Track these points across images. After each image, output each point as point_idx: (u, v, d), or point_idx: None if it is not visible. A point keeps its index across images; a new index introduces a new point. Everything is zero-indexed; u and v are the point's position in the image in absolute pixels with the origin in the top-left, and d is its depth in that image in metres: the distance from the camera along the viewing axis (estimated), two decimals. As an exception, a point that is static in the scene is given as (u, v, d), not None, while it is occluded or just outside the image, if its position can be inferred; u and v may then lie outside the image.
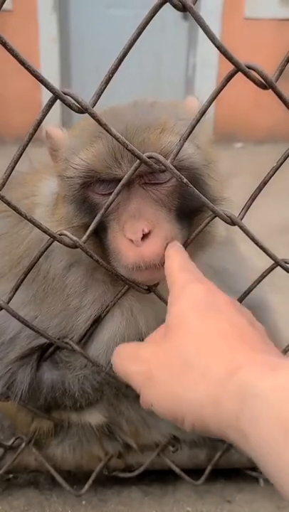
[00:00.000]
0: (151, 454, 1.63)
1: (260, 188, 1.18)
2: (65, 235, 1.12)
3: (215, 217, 1.15)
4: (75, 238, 1.11)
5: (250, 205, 1.18)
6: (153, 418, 1.55)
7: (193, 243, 1.20)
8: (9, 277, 1.34)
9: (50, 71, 6.33)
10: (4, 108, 6.57)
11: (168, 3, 0.93)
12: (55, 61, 6.51)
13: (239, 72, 0.99)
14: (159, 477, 1.76)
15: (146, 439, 1.60)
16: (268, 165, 1.15)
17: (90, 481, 1.60)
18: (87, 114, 0.98)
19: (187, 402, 0.76)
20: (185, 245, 1.18)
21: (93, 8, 6.62)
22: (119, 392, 1.45)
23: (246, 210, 1.19)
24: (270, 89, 1.03)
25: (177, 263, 1.00)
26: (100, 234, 1.18)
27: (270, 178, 1.17)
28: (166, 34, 6.71)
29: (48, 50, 6.45)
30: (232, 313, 0.88)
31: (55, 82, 6.22)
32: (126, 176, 1.08)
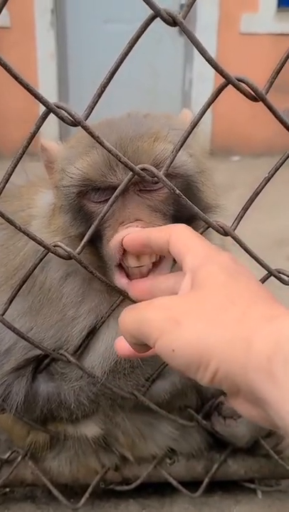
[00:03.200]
0: (148, 466, 1.62)
1: (251, 199, 1.19)
2: (60, 246, 1.13)
3: (208, 227, 1.16)
4: (69, 249, 1.12)
5: (243, 215, 1.20)
6: (149, 430, 1.56)
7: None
8: (5, 289, 1.34)
9: (48, 86, 6.39)
10: (2, 123, 6.61)
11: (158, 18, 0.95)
12: (53, 76, 6.57)
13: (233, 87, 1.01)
14: (156, 490, 1.75)
15: (143, 451, 1.60)
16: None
17: (87, 494, 1.60)
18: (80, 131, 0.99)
19: (216, 346, 0.71)
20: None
21: (90, 24, 6.69)
22: (115, 403, 1.45)
23: (239, 221, 1.20)
24: (261, 102, 1.05)
25: (190, 231, 0.96)
26: (96, 243, 1.19)
27: (262, 188, 1.18)
28: (163, 49, 6.77)
29: (46, 65, 6.51)
30: (256, 280, 0.88)
31: (52, 97, 6.29)
32: (119, 188, 1.09)
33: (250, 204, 1.19)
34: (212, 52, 7.06)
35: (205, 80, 6.45)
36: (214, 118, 6.24)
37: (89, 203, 1.19)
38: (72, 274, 1.31)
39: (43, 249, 1.14)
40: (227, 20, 6.57)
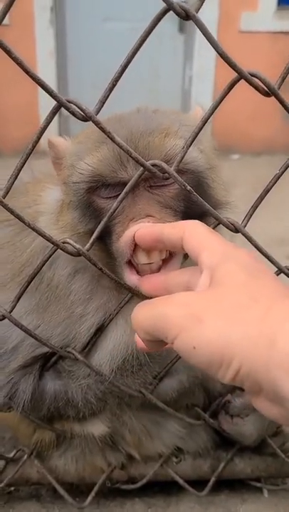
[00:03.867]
0: (155, 465, 1.61)
1: (262, 197, 1.18)
2: (69, 243, 1.12)
3: (218, 224, 1.15)
4: (78, 246, 1.11)
5: (253, 212, 1.19)
6: (156, 428, 1.55)
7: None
8: (12, 286, 1.33)
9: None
10: (2, 122, 6.59)
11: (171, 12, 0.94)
12: (52, 74, 6.54)
13: (238, 84, 1.00)
14: (162, 489, 1.74)
15: (150, 450, 1.59)
16: (265, 176, 1.16)
17: (93, 493, 1.59)
18: (90, 122, 0.98)
19: (239, 344, 0.71)
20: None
21: (90, 22, 6.66)
22: (123, 401, 1.44)
23: (249, 218, 1.19)
24: (266, 99, 1.04)
25: (204, 227, 0.95)
26: (105, 239, 1.18)
27: (272, 186, 1.17)
28: (163, 47, 6.74)
29: (45, 63, 6.47)
30: (276, 277, 0.87)
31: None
32: (129, 184, 1.08)
33: (261, 201, 1.18)
34: (213, 50, 7.05)
35: (205, 78, 6.45)
36: (214, 116, 6.22)
37: (98, 199, 1.18)
38: (80, 271, 1.30)
39: (51, 245, 1.13)
40: (227, 18, 6.55)
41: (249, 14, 6.70)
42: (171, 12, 0.94)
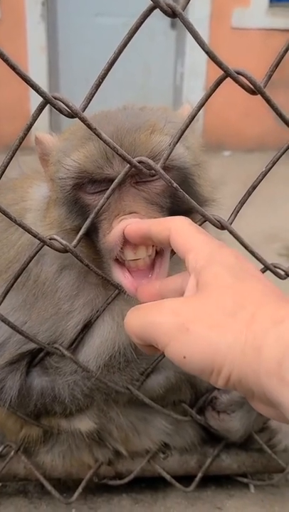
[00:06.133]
0: (142, 460, 1.62)
1: (249, 193, 1.19)
2: (56, 239, 1.12)
3: (205, 221, 1.15)
4: (64, 242, 1.11)
5: (240, 209, 1.20)
6: (143, 424, 1.55)
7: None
8: None
9: (38, 79, 6.15)
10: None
11: (158, 10, 0.94)
12: (44, 69, 6.53)
13: (228, 81, 1.01)
14: (149, 484, 1.75)
15: (137, 446, 1.60)
16: (257, 173, 1.17)
17: (80, 489, 1.59)
18: (77, 118, 0.98)
19: (227, 352, 0.72)
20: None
21: (81, 17, 6.64)
22: (109, 398, 1.44)
23: (235, 215, 1.20)
24: (259, 96, 1.04)
25: (190, 225, 0.95)
26: (91, 236, 1.18)
27: (259, 182, 1.18)
28: (155, 43, 6.74)
29: (37, 58, 6.46)
30: (262, 277, 0.87)
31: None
32: (116, 181, 1.08)
33: (247, 198, 1.19)
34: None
35: (196, 75, 6.45)
36: (206, 113, 6.23)
37: (85, 195, 1.18)
38: (67, 267, 1.30)
39: (38, 242, 1.13)
40: (219, 14, 6.56)
41: (241, 11, 6.70)
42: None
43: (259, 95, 1.05)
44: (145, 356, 1.39)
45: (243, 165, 5.46)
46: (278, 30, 6.67)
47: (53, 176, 1.21)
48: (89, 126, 0.99)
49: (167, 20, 6.59)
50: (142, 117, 1.19)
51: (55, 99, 0.96)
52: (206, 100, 1.06)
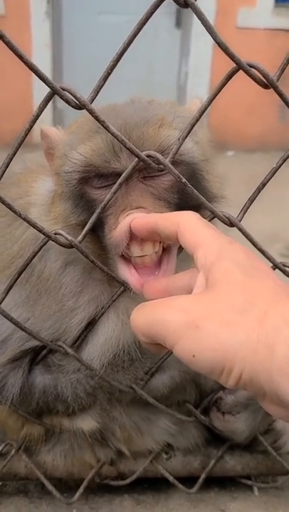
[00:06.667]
0: (144, 461, 1.60)
1: (259, 189, 1.16)
2: (61, 234, 1.09)
3: (213, 217, 1.13)
4: (70, 238, 1.09)
5: (249, 206, 1.17)
6: (146, 424, 1.53)
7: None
8: (1, 279, 1.30)
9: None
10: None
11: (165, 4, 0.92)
12: (48, 66, 6.49)
13: (234, 80, 0.99)
14: (151, 485, 1.73)
15: (140, 446, 1.57)
16: (260, 173, 1.15)
17: (81, 489, 1.57)
18: (84, 111, 0.96)
19: (238, 350, 0.70)
20: (182, 247, 1.17)
21: (85, 15, 6.62)
22: (113, 397, 1.42)
23: (244, 212, 1.17)
24: (266, 94, 1.02)
25: (199, 220, 0.92)
26: (97, 231, 1.16)
27: (269, 180, 1.16)
28: (159, 42, 6.70)
29: (41, 55, 6.42)
30: (273, 275, 0.84)
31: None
32: (123, 175, 1.06)
33: (257, 195, 1.17)
34: (209, 46, 7.05)
35: (201, 74, 6.42)
36: (209, 112, 6.22)
37: (91, 190, 1.15)
38: (72, 263, 1.28)
39: (43, 237, 1.10)
40: (224, 14, 6.52)
41: (247, 10, 6.67)
42: (168, 6, 0.92)
43: (268, 92, 1.03)
44: (150, 355, 1.37)
45: (245, 165, 5.44)
46: (283, 30, 6.64)
47: (59, 170, 1.19)
48: (97, 118, 0.97)
49: (172, 18, 6.58)
50: (150, 111, 1.17)
51: (63, 90, 0.94)
52: (217, 94, 1.03)
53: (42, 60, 6.43)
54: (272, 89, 1.01)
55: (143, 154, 1.03)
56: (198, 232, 0.90)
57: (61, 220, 1.21)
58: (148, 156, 1.03)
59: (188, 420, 1.51)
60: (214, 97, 1.04)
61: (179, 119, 1.15)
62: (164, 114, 1.15)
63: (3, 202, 1.03)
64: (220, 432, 1.57)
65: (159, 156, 1.03)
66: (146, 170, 1.12)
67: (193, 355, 0.74)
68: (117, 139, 1.00)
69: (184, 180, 1.05)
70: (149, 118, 1.13)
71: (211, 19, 6.28)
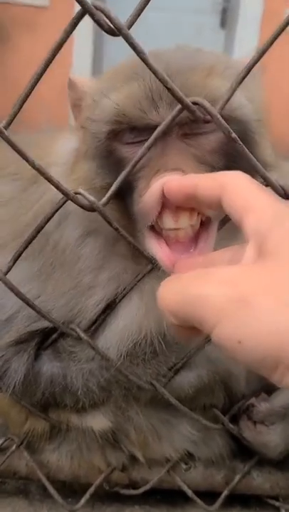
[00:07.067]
0: (160, 470, 1.41)
1: None
2: (81, 194, 0.92)
3: (266, 186, 0.94)
4: (92, 198, 0.91)
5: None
6: (166, 428, 1.34)
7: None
8: (12, 247, 1.13)
9: (83, 66, 6.28)
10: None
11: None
12: (89, 59, 6.45)
13: None
14: (166, 497, 1.53)
15: (156, 453, 1.38)
16: None
17: (88, 495, 1.39)
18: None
19: None
20: (226, 219, 0.99)
21: (130, 4, 6.52)
22: (129, 394, 1.24)
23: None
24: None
25: (250, 182, 0.74)
26: (125, 198, 0.99)
27: None
28: (203, 41, 6.56)
29: (83, 47, 6.35)
30: None
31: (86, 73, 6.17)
32: (162, 125, 0.89)
33: None
34: (253, 46, 6.87)
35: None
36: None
37: (121, 147, 0.99)
38: (92, 233, 1.11)
39: (61, 199, 0.94)
40: (270, 15, 6.32)
41: (294, 11, 6.47)
42: (213, 6, 0.77)
43: None
44: (176, 348, 1.19)
45: None
46: None
47: (86, 122, 1.02)
48: (134, 47, 0.80)
49: (217, 18, 6.44)
50: (197, 58, 1.01)
51: (96, 9, 0.77)
52: (270, 46, 0.87)
53: (83, 52, 6.35)
54: None
55: (188, 100, 0.85)
56: (249, 194, 0.72)
57: (84, 182, 1.05)
58: (194, 103, 0.86)
59: (215, 428, 1.32)
60: (267, 49, 0.87)
61: (231, 70, 0.98)
62: (213, 62, 0.99)
63: (14, 148, 0.86)
64: (249, 444, 1.37)
65: (206, 103, 0.85)
66: (188, 125, 0.95)
67: (240, 341, 0.56)
68: (157, 77, 0.83)
69: (233, 135, 0.87)
70: (197, 65, 0.97)
71: (257, 21, 6.18)
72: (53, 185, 0.91)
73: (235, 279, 0.60)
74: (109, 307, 1.12)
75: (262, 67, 1.03)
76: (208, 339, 1.16)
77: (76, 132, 1.11)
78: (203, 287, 0.61)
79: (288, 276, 0.58)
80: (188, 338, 0.70)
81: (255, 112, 1.01)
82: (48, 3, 6.30)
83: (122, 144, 0.99)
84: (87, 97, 1.06)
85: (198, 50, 1.05)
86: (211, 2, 6.79)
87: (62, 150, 1.16)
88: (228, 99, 0.88)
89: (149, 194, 0.90)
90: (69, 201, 0.94)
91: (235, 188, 0.73)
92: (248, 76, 0.91)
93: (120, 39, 0.81)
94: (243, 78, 0.88)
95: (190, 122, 0.94)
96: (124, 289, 1.10)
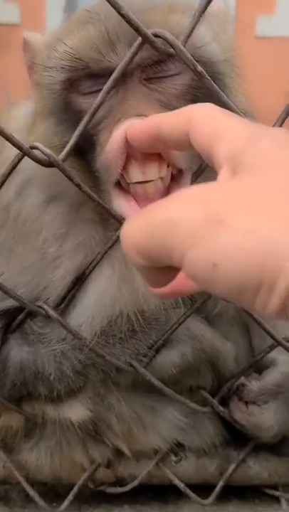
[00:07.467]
0: (149, 463, 1.31)
1: None
2: (38, 147, 0.84)
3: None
4: (48, 151, 0.84)
5: (285, 118, 0.91)
6: (151, 415, 1.24)
7: (210, 173, 0.92)
8: None
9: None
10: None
11: None
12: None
13: None
14: (157, 494, 1.44)
15: (142, 444, 1.28)
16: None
17: (71, 497, 1.28)
18: None
19: (285, 250, 0.45)
20: (197, 173, 0.91)
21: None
22: (108, 377, 1.14)
23: (281, 123, 0.91)
24: None
25: (219, 111, 0.65)
26: (87, 155, 0.92)
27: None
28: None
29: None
30: None
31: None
32: (122, 63, 0.82)
33: None
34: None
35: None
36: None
37: (78, 98, 0.93)
38: (55, 199, 1.03)
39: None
40: (242, 23, 6.35)
41: (266, 18, 6.50)
42: None
43: None
44: (156, 324, 1.11)
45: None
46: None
47: (40, 74, 0.95)
48: None
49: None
50: None
51: None
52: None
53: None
54: None
55: (149, 32, 0.78)
56: (218, 122, 0.63)
57: (43, 141, 0.96)
58: (155, 35, 0.78)
59: (203, 411, 1.22)
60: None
61: (192, 8, 0.91)
62: (174, 1, 0.92)
63: None
64: (242, 428, 1.26)
65: (167, 34, 0.78)
66: (151, 68, 0.89)
67: (215, 264, 0.47)
68: (114, 8, 0.75)
69: (199, 68, 0.80)
70: (157, 3, 0.91)
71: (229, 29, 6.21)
72: (5, 138, 0.82)
73: (205, 197, 0.51)
74: (79, 280, 1.03)
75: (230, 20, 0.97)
76: (188, 313, 1.08)
77: (33, 91, 1.03)
78: (169, 210, 0.52)
79: (262, 186, 0.50)
80: (160, 283, 0.61)
81: (222, 53, 0.93)
82: (20, 21, 6.28)
83: (80, 95, 0.92)
84: (42, 49, 0.98)
85: None
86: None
87: (20, 115, 1.09)
88: (192, 31, 0.81)
89: (111, 143, 0.83)
90: (29, 168, 0.87)
91: (202, 118, 0.65)
92: (214, 18, 0.85)
93: None
94: (204, 9, 0.81)
95: (152, 64, 0.88)
96: (94, 260, 1.01)
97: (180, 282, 0.60)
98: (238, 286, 0.47)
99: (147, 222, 0.54)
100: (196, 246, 0.48)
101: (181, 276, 0.57)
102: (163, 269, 0.55)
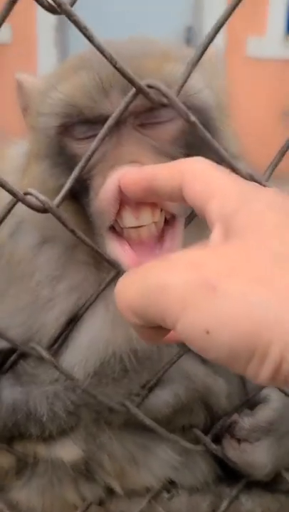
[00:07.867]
0: (141, 501, 1.29)
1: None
2: (32, 193, 0.84)
3: (232, 175, 0.87)
4: (43, 197, 0.83)
5: (278, 163, 0.92)
6: (143, 454, 1.23)
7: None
8: None
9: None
10: None
11: None
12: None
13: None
14: (149, 532, 1.42)
15: (135, 482, 1.27)
16: None
17: (62, 537, 1.27)
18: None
19: (279, 319, 0.45)
20: (190, 217, 0.91)
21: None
22: (101, 417, 1.14)
23: (272, 170, 0.92)
24: None
25: (211, 166, 0.66)
26: (81, 199, 0.93)
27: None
28: None
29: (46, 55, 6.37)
30: None
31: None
32: (116, 112, 0.82)
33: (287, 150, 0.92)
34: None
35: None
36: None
37: (73, 143, 0.93)
38: (49, 241, 1.03)
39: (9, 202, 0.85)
40: (233, 43, 6.43)
41: (256, 39, 6.59)
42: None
43: None
44: (148, 364, 1.10)
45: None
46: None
47: (35, 119, 0.95)
48: (76, 23, 0.72)
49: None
50: (151, 45, 0.96)
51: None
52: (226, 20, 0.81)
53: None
54: None
55: (142, 83, 0.79)
56: (210, 178, 0.64)
57: (37, 184, 0.97)
58: (148, 86, 0.79)
59: (196, 449, 1.21)
60: (224, 21, 0.81)
61: (185, 56, 0.92)
62: (167, 48, 0.94)
63: None
64: (234, 465, 1.26)
65: (161, 85, 0.79)
66: (144, 115, 0.90)
67: (208, 332, 0.48)
68: (105, 57, 0.76)
69: (193, 118, 0.80)
70: (151, 51, 0.93)
71: (220, 49, 6.26)
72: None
73: (197, 262, 0.52)
74: (72, 321, 1.03)
75: (221, 58, 0.98)
76: (182, 353, 1.08)
77: (27, 133, 1.03)
78: (163, 275, 0.53)
79: (257, 254, 0.50)
80: (154, 340, 0.62)
81: (215, 99, 0.95)
82: (11, 41, 6.31)
83: (74, 140, 0.92)
84: (34, 94, 0.99)
85: (151, 39, 1.00)
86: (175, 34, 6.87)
87: (14, 155, 1.09)
88: (185, 81, 0.81)
89: (105, 190, 0.83)
90: (22, 210, 0.87)
91: (194, 173, 0.66)
92: (207, 63, 0.86)
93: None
94: (199, 59, 0.82)
95: (146, 111, 0.89)
96: (87, 301, 1.01)
97: (174, 335, 0.61)
98: (231, 354, 0.48)
99: (142, 284, 0.54)
100: (188, 312, 0.49)
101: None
102: (157, 328, 0.56)
